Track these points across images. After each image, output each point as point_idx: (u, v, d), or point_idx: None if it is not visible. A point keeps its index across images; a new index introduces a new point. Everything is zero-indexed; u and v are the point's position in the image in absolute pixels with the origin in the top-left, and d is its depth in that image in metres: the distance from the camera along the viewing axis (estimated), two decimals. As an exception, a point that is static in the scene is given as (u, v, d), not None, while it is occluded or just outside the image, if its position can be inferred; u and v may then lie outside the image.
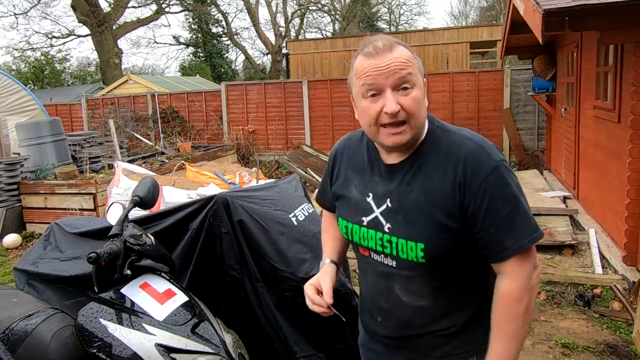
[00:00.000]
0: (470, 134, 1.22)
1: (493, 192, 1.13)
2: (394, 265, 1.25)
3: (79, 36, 23.56)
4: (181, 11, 24.89)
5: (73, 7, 19.81)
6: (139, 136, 11.13)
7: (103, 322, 1.62)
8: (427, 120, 1.24)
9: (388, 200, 1.23)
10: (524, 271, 1.15)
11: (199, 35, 26.24)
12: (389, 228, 1.23)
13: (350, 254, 1.51)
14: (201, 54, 26.71)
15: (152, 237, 1.87)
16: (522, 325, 1.16)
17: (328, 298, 1.36)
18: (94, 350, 1.59)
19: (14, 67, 25.14)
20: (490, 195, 1.13)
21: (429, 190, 1.18)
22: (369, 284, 1.37)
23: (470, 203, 1.14)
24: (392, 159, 1.24)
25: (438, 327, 1.27)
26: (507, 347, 1.17)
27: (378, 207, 1.25)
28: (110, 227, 1.85)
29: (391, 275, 1.26)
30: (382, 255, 1.26)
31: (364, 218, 1.28)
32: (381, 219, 1.24)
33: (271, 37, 25.62)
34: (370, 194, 1.27)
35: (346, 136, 1.46)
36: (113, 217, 1.94)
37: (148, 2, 23.00)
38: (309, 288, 1.40)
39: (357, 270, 1.45)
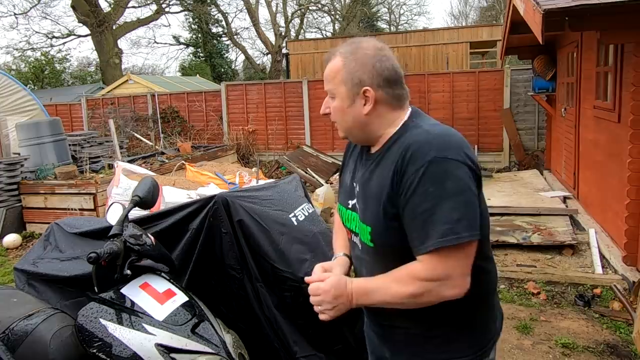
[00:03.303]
0: (437, 129, 1.21)
1: (417, 186, 1.12)
2: (360, 248, 1.34)
3: (79, 36, 23.59)
4: (181, 11, 24.92)
5: (73, 7, 19.82)
6: (139, 136, 11.13)
7: (103, 322, 1.62)
8: (407, 115, 1.29)
9: (358, 185, 1.34)
10: (432, 273, 1.12)
11: (199, 35, 26.25)
12: (359, 211, 1.32)
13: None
14: (201, 54, 26.72)
15: (152, 237, 1.87)
16: (398, 296, 1.17)
17: None
18: (94, 350, 1.59)
19: (14, 67, 25.14)
20: (414, 188, 1.13)
21: (380, 177, 1.24)
22: (354, 267, 1.46)
23: (398, 193, 1.17)
24: (372, 149, 1.34)
25: (406, 325, 1.29)
26: (378, 286, 1.20)
27: (356, 191, 1.35)
28: (110, 227, 1.85)
29: (360, 258, 1.36)
30: (357, 238, 1.35)
31: (349, 201, 1.38)
32: (357, 202, 1.34)
33: (271, 37, 25.64)
34: (355, 179, 1.38)
35: None
36: (113, 217, 1.94)
37: (148, 2, 23.02)
38: (318, 267, 1.42)
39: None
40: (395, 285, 1.18)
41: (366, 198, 1.28)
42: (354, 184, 1.37)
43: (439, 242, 1.10)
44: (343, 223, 1.43)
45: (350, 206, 1.37)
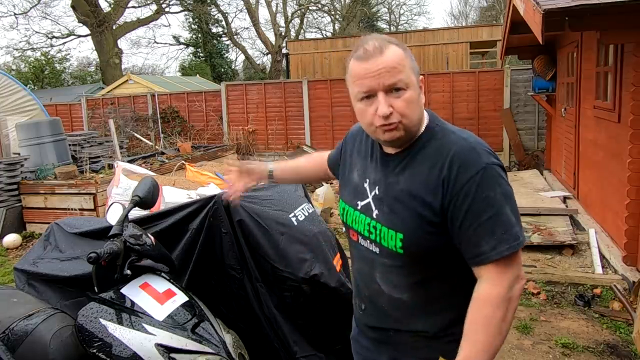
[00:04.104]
0: (467, 135, 1.21)
1: (476, 193, 1.11)
2: (377, 252, 1.27)
3: (79, 36, 23.58)
4: (181, 11, 24.92)
5: (73, 7, 19.82)
6: (139, 136, 11.13)
7: (103, 322, 1.62)
8: (427, 118, 1.26)
9: (377, 187, 1.27)
10: (504, 279, 1.11)
11: (199, 35, 26.24)
12: (376, 214, 1.26)
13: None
14: (201, 54, 26.71)
15: (152, 237, 1.87)
16: (496, 334, 1.10)
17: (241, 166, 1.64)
18: (94, 350, 1.59)
19: (14, 67, 25.13)
20: (472, 196, 1.12)
21: (413, 182, 1.19)
22: (355, 270, 1.41)
23: (451, 201, 1.13)
24: (389, 149, 1.28)
25: (418, 328, 1.26)
26: (474, 354, 1.10)
27: (370, 193, 1.29)
28: (110, 227, 1.85)
29: (373, 262, 1.29)
30: (368, 241, 1.29)
31: (359, 202, 1.32)
32: (372, 204, 1.28)
33: (271, 37, 25.64)
34: (367, 179, 1.31)
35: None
36: (113, 217, 1.94)
37: (148, 2, 23.02)
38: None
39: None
40: (484, 329, 1.10)
41: (393, 203, 1.22)
42: (365, 185, 1.31)
43: (514, 245, 1.11)
44: (348, 224, 1.37)
45: (359, 207, 1.31)
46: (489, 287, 1.12)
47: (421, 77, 1.23)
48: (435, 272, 1.23)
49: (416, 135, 1.23)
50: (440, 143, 1.20)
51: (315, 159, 1.70)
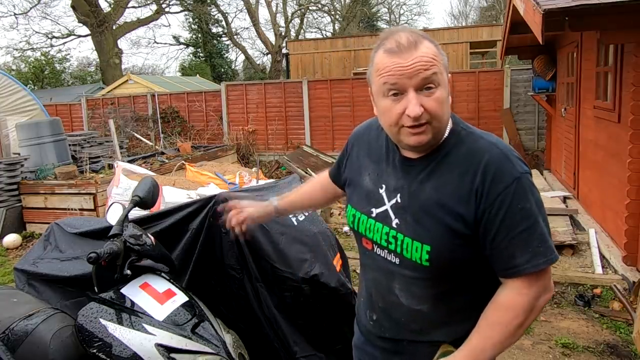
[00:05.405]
0: (496, 140, 1.16)
1: (511, 204, 1.07)
2: (397, 263, 1.19)
3: (79, 36, 23.59)
4: (181, 11, 24.93)
5: (73, 7, 19.82)
6: (139, 136, 11.12)
7: (103, 322, 1.62)
8: (450, 120, 1.18)
9: (398, 195, 1.18)
10: (531, 290, 1.09)
11: (199, 35, 26.25)
12: (396, 224, 1.18)
13: (351, 254, 1.51)
14: (201, 54, 26.72)
15: (152, 237, 1.87)
16: (509, 337, 1.10)
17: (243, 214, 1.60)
18: (94, 351, 1.59)
19: (14, 67, 25.13)
20: (507, 207, 1.07)
21: (442, 192, 1.12)
22: (368, 280, 1.33)
23: (485, 212, 1.08)
24: (410, 153, 1.19)
25: (436, 338, 1.22)
26: (482, 346, 1.10)
27: (389, 200, 1.20)
28: (110, 227, 1.85)
29: (392, 273, 1.22)
30: (386, 251, 1.21)
31: (373, 209, 1.23)
32: (391, 213, 1.19)
33: (271, 37, 25.64)
34: (384, 186, 1.22)
35: (368, 122, 1.40)
36: (113, 217, 1.94)
37: (148, 2, 23.02)
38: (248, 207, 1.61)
39: (359, 267, 1.43)
40: (500, 331, 1.09)
41: (419, 213, 1.14)
42: (382, 191, 1.22)
43: (551, 258, 1.09)
44: (361, 232, 1.28)
45: (374, 215, 1.23)
46: (515, 295, 1.10)
47: (449, 75, 1.15)
48: (459, 283, 1.18)
49: (441, 139, 1.15)
50: (468, 148, 1.14)
51: (320, 180, 1.61)
